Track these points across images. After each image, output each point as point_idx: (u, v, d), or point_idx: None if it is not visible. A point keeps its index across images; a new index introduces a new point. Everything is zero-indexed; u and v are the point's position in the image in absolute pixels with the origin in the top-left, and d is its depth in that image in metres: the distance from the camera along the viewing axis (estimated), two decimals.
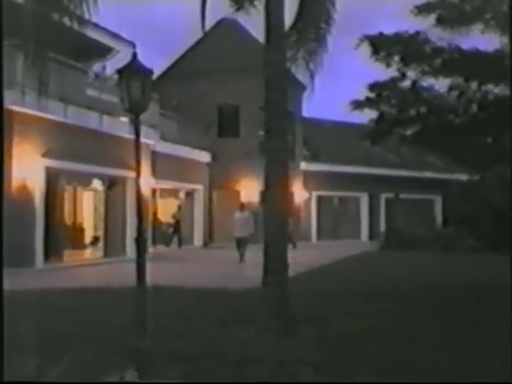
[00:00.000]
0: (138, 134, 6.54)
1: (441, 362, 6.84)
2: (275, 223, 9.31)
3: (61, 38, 10.06)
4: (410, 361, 6.85)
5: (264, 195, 10.47)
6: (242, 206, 21.25)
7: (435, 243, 25.32)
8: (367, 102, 14.46)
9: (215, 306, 10.25)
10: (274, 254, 9.19)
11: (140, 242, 6.90)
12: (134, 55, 6.56)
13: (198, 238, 28.14)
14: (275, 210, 9.33)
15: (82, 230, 23.85)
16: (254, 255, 17.19)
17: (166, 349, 6.91)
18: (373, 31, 13.85)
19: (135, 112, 6.55)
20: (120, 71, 6.64)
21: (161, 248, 24.15)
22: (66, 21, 10.12)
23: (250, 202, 26.86)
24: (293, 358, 6.81)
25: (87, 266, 18.57)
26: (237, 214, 20.87)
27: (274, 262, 9.16)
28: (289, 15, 10.82)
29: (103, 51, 22.76)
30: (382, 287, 13.04)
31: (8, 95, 15.65)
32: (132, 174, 19.58)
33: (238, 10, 11.24)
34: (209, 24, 13.28)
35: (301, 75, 11.71)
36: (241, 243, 19.85)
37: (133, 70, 6.54)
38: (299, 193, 30.82)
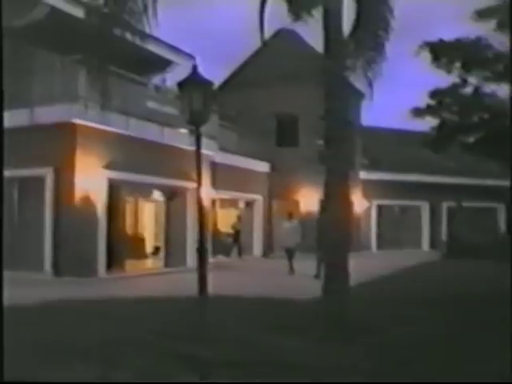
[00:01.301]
0: (198, 145, 6.60)
1: (492, 370, 6.72)
2: (336, 232, 9.28)
3: (122, 52, 10.26)
4: (467, 369, 6.75)
5: (324, 204, 10.43)
6: (290, 215, 20.91)
7: (498, 252, 24.75)
8: (428, 110, 14.34)
9: (275, 316, 10.24)
10: (335, 262, 9.16)
11: (202, 252, 6.93)
12: (195, 67, 6.62)
13: (257, 248, 28.19)
14: (336, 219, 9.30)
15: (143, 241, 24.17)
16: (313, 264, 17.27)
17: (225, 357, 6.94)
18: (429, 37, 13.76)
19: (196, 124, 6.60)
20: (181, 83, 6.71)
21: (221, 258, 24.26)
22: (127, 35, 10.33)
23: (309, 212, 26.84)
24: (349, 367, 6.76)
25: (148, 275, 18.77)
26: (285, 224, 20.64)
27: (335, 270, 9.13)
28: (347, 23, 10.82)
29: (163, 64, 23.08)
30: (442, 296, 12.84)
31: (72, 109, 16.09)
32: (192, 185, 19.80)
33: (296, 20, 11.25)
34: (267, 34, 13.34)
35: (359, 83, 11.67)
36: (289, 253, 19.47)
37: (193, 82, 6.61)
38: (359, 202, 30.58)
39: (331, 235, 9.37)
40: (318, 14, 10.60)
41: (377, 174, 31.90)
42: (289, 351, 7.49)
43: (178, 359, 6.91)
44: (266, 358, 7.17)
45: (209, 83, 6.81)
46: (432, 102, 14.22)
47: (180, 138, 19.40)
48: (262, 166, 28.41)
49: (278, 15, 11.78)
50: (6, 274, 16.92)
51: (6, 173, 18.19)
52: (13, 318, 9.76)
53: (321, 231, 17.70)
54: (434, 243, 33.97)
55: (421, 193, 32.71)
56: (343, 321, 8.71)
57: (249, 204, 28.66)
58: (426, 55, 13.69)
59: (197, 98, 6.50)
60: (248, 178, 26.82)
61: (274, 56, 28.96)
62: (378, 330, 8.89)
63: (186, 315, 9.21)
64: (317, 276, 17.11)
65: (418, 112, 14.45)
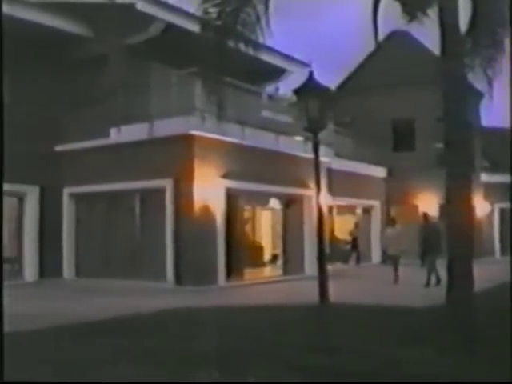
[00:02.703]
0: (316, 152, 6.55)
1: None
2: (459, 238, 8.98)
3: (236, 63, 10.38)
4: None
5: (444, 209, 10.13)
6: (393, 221, 20.22)
7: None
8: None
9: (394, 324, 10.00)
10: (458, 269, 8.86)
11: (322, 259, 6.87)
12: (311, 74, 6.58)
13: (375, 255, 27.73)
14: (458, 224, 9.00)
15: (261, 249, 24.33)
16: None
17: (345, 367, 6.83)
18: None
19: (314, 130, 6.56)
20: (297, 91, 6.69)
21: (339, 265, 24.05)
22: (241, 46, 10.45)
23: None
24: (470, 379, 6.50)
25: (267, 283, 18.84)
26: (388, 230, 19.95)
27: (459, 278, 8.82)
28: (463, 21, 10.49)
29: (276, 73, 23.25)
30: None
31: (189, 121, 16.44)
32: (308, 192, 19.76)
33: (410, 20, 11.01)
34: (381, 36, 13.12)
35: (478, 82, 11.30)
36: (394, 261, 18.63)
37: (310, 88, 6.57)
38: (480, 205, 29.58)
39: (454, 241, 9.07)
40: (432, 13, 10.34)
41: (499, 177, 30.75)
42: (410, 362, 7.28)
43: (298, 369, 6.85)
44: (388, 368, 7.00)
45: (325, 89, 6.76)
46: None
47: (295, 145, 19.46)
48: (379, 172, 28.05)
49: (391, 17, 11.58)
50: (131, 283, 17.48)
51: (129, 185, 18.91)
52: (136, 325, 10.07)
53: (425, 238, 17.19)
54: None
55: None
56: (467, 331, 8.39)
57: (366, 210, 28.32)
58: None
59: (313, 104, 6.45)
60: (365, 184, 26.52)
61: (388, 59, 28.57)
62: (500, 341, 8.51)
63: (307, 323, 9.17)
64: (427, 284, 16.62)
65: None
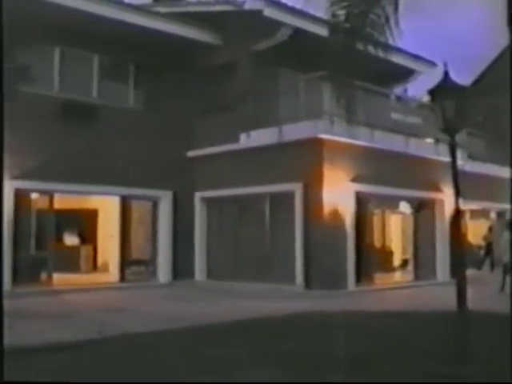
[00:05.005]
0: (454, 154, 6.34)
1: None
2: None
3: (365, 65, 10.25)
4: None
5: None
6: (509, 225, 18.62)
7: None
8: None
9: None
10: None
11: (460, 265, 6.65)
12: (446, 74, 6.39)
13: None
14: None
15: (390, 253, 23.94)
16: None
17: (484, 378, 6.57)
18: None
19: (450, 132, 6.35)
20: (432, 91, 6.50)
21: (472, 271, 23.22)
22: (370, 48, 10.31)
23: None
24: None
25: (397, 289, 18.50)
26: (505, 235, 18.50)
27: None
28: None
29: (405, 74, 22.83)
30: None
31: (317, 125, 16.44)
32: (440, 196, 19.28)
33: None
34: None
35: None
36: (506, 269, 17.24)
37: (446, 88, 6.38)
38: None
39: None
40: None
41: None
42: None
43: (436, 378, 6.67)
44: None
45: (462, 89, 6.56)
46: None
47: (425, 147, 19.02)
48: None
49: None
50: (261, 286, 17.57)
51: (258, 189, 19.08)
52: (270, 328, 10.14)
53: None
54: None
55: None
56: None
57: (501, 214, 27.21)
58: None
59: (450, 105, 6.25)
60: (499, 187, 25.41)
61: None
62: None
63: (447, 331, 8.90)
64: (502, 289, 15.85)
65: None
